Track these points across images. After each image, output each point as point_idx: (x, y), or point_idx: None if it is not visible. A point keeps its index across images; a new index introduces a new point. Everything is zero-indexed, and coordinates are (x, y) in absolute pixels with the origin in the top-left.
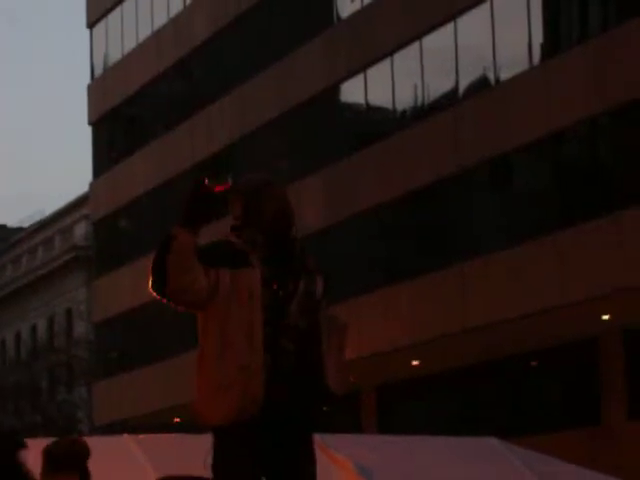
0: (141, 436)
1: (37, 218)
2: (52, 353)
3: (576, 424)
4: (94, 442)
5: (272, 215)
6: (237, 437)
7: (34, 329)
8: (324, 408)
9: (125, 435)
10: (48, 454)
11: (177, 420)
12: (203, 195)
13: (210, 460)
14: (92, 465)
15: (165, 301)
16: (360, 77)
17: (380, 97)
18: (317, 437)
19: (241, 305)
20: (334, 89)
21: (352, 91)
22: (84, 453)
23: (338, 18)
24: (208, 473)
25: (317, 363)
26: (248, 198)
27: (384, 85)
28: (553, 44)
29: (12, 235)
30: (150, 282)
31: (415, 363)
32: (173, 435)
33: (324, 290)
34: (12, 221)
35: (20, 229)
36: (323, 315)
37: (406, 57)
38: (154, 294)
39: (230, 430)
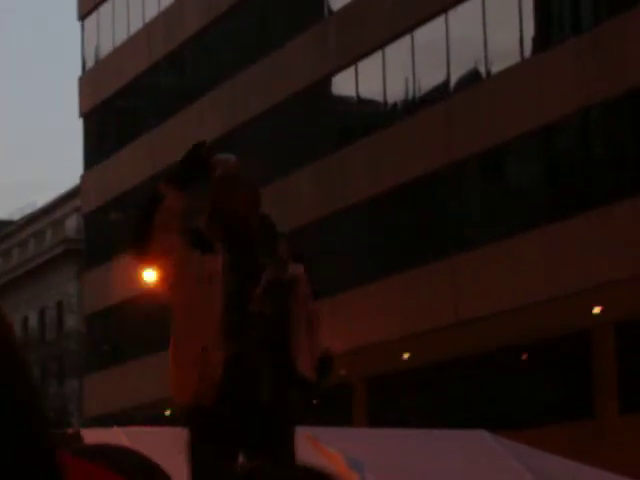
0: (132, 428)
1: (28, 211)
2: (43, 346)
3: (568, 418)
4: (85, 435)
5: (238, 203)
6: (201, 421)
7: (25, 322)
8: (296, 394)
9: (115, 428)
10: None
11: (168, 413)
12: (201, 157)
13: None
14: None
15: (139, 260)
16: (351, 70)
17: (371, 90)
18: (307, 430)
19: (203, 289)
20: (325, 82)
21: (343, 84)
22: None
23: (329, 11)
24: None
25: (286, 349)
26: (219, 185)
27: (375, 78)
28: (545, 37)
29: (3, 228)
30: (131, 239)
31: (406, 356)
32: (164, 428)
33: (304, 277)
34: (2, 213)
35: (11, 222)
36: (296, 301)
37: (397, 50)
38: (131, 251)
39: (195, 413)
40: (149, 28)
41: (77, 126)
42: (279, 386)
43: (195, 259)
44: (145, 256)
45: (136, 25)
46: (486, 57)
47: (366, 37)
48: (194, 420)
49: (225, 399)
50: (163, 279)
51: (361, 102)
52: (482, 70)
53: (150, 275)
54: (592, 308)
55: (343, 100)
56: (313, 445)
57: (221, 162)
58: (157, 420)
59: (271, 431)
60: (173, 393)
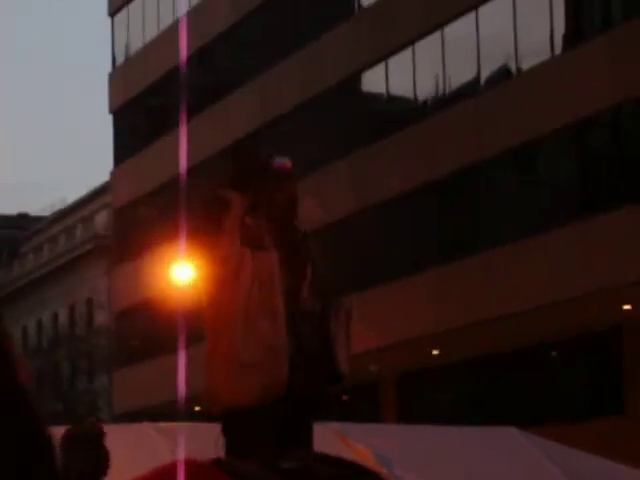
0: (161, 424)
1: (58, 207)
2: (73, 341)
3: (599, 414)
4: (114, 430)
5: (283, 203)
6: (261, 418)
7: (55, 317)
8: (333, 389)
9: (145, 423)
10: (65, 437)
11: (197, 409)
12: (261, 161)
13: (222, 443)
14: (112, 453)
15: (201, 264)
16: (382, 66)
17: (401, 86)
18: (336, 426)
19: (262, 286)
20: (356, 77)
21: (374, 79)
22: (98, 432)
23: (360, 6)
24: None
25: (330, 346)
26: (262, 185)
27: (406, 74)
28: (575, 33)
29: (33, 224)
30: (197, 243)
31: (436, 352)
32: (193, 423)
33: (321, 275)
34: (33, 209)
35: (41, 218)
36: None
37: (428, 46)
38: (197, 255)
39: (253, 412)
40: (179, 24)
41: (107, 122)
42: (317, 379)
43: (249, 257)
44: (206, 260)
45: (166, 21)
46: (516, 54)
47: (396, 33)
48: (253, 419)
49: (287, 398)
50: (211, 279)
51: (392, 98)
52: (512, 66)
53: (181, 272)
54: (623, 304)
55: (374, 96)
56: (341, 441)
57: (279, 165)
58: (187, 416)
59: (304, 425)
60: (221, 392)
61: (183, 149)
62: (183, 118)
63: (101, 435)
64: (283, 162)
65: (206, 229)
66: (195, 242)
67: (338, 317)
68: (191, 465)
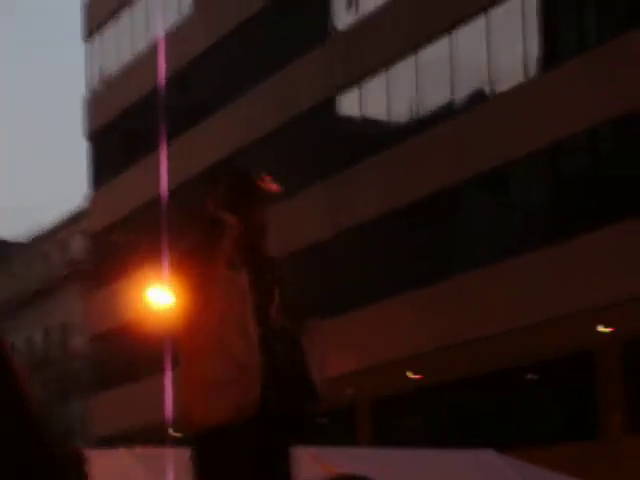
0: (138, 449)
1: (34, 232)
2: (48, 366)
3: (574, 437)
4: (91, 456)
5: (254, 226)
6: (235, 437)
7: (29, 341)
8: (310, 409)
9: (122, 449)
10: None
11: (171, 432)
12: (254, 184)
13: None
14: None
15: (187, 283)
16: (356, 90)
17: (376, 110)
18: (313, 450)
19: (235, 306)
20: (330, 101)
21: (348, 103)
22: (79, 458)
23: (334, 31)
24: None
25: (304, 365)
26: (251, 207)
27: (380, 98)
28: (549, 56)
29: (8, 248)
30: (187, 264)
31: (411, 376)
32: (170, 449)
33: (289, 297)
34: (8, 234)
35: (16, 243)
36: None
37: (402, 70)
38: (185, 274)
39: (227, 430)
40: (154, 48)
41: (83, 147)
42: (291, 398)
43: (223, 277)
44: (190, 281)
45: (141, 45)
46: (491, 77)
47: (371, 57)
48: (226, 438)
49: (261, 416)
50: (193, 300)
51: (367, 122)
52: (487, 89)
53: (155, 296)
54: (597, 327)
55: (349, 120)
56: (318, 465)
57: (268, 188)
58: (163, 440)
59: (280, 444)
60: (195, 411)
61: (164, 171)
62: (163, 141)
63: (83, 461)
64: (273, 185)
65: (202, 251)
66: (185, 263)
67: (309, 335)
68: None
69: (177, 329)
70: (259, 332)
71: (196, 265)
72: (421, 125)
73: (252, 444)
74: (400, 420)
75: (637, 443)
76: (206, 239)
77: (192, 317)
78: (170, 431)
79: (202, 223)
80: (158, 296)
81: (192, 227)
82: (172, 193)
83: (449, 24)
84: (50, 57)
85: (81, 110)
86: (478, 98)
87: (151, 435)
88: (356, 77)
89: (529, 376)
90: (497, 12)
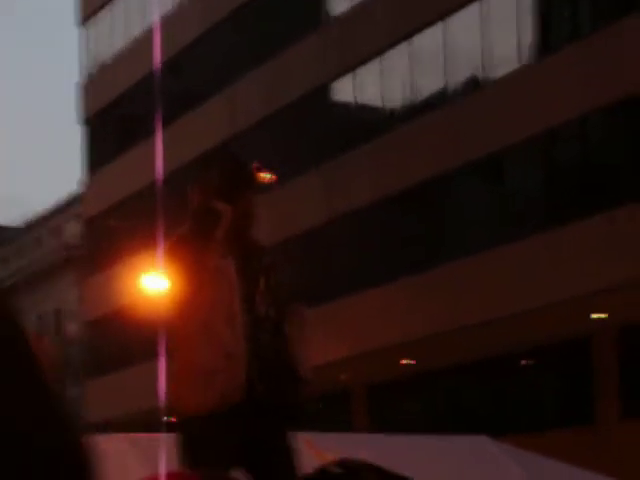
0: (134, 435)
1: (27, 217)
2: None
3: (569, 423)
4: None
5: (243, 214)
6: (221, 424)
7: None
8: (298, 396)
9: (117, 434)
10: None
11: (169, 419)
12: (250, 174)
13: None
14: None
15: (180, 271)
16: (350, 76)
17: (370, 97)
18: (306, 436)
19: (223, 294)
20: (324, 88)
21: (342, 90)
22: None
23: (328, 17)
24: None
25: (289, 352)
26: (246, 196)
27: (374, 85)
28: (543, 43)
29: (1, 234)
30: (182, 252)
31: (406, 362)
32: (166, 434)
33: (275, 285)
34: (3, 220)
35: (10, 228)
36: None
37: (396, 57)
38: (178, 262)
39: (213, 417)
40: (149, 34)
41: (77, 133)
42: (289, 389)
43: (212, 265)
44: (186, 269)
45: (136, 31)
46: (485, 64)
47: (365, 44)
48: (212, 425)
49: (247, 402)
50: (187, 288)
51: (361, 108)
52: (481, 76)
53: (150, 282)
54: (592, 314)
55: (343, 106)
56: (312, 451)
57: (263, 178)
58: (159, 427)
59: (279, 435)
60: (182, 399)
61: (159, 156)
62: (159, 126)
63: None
64: (268, 176)
65: (197, 240)
66: (179, 251)
67: (292, 322)
68: (176, 477)
69: (169, 316)
70: (245, 320)
71: (190, 254)
72: (415, 112)
73: (238, 431)
74: (395, 406)
75: (632, 429)
76: (201, 229)
77: (183, 305)
78: (164, 417)
79: (197, 212)
80: (153, 282)
81: (187, 215)
82: (165, 179)
83: (443, 11)
84: (45, 41)
85: (75, 98)
86: (472, 85)
87: (147, 421)
88: (350, 64)
89: (524, 362)
90: None
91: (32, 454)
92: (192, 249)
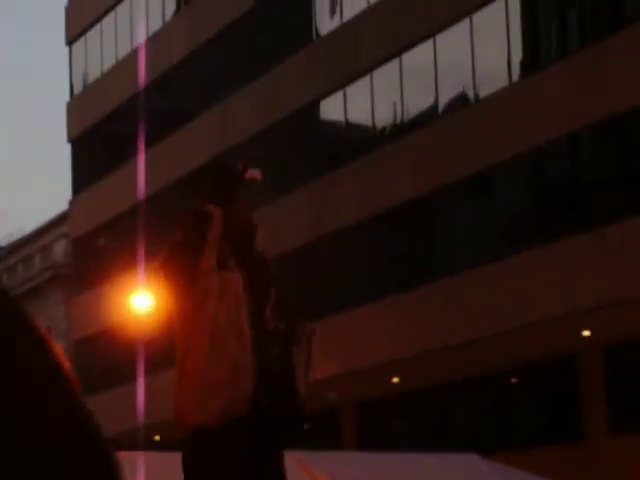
0: (121, 453)
1: (16, 236)
2: None
3: (557, 440)
4: None
5: (244, 226)
6: (227, 437)
7: None
8: (303, 411)
9: None
10: None
11: (157, 438)
12: (240, 177)
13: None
14: None
15: (177, 282)
16: (339, 94)
17: (360, 114)
18: (297, 454)
19: (229, 307)
20: (313, 106)
21: (332, 108)
22: None
23: (318, 35)
24: None
25: (292, 366)
26: (235, 198)
27: (363, 102)
28: (532, 61)
29: None
30: (175, 258)
31: (396, 380)
32: (153, 453)
33: (285, 297)
34: None
35: None
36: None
37: (385, 74)
38: (174, 273)
39: (219, 431)
40: (136, 53)
41: (65, 151)
42: (284, 399)
43: (216, 277)
44: (179, 277)
45: (124, 50)
46: (474, 81)
47: (354, 61)
48: (219, 438)
49: (253, 416)
50: (183, 296)
51: (350, 126)
52: (470, 94)
53: (138, 301)
54: (580, 331)
55: (332, 124)
56: (303, 469)
57: (254, 179)
58: (147, 445)
59: (273, 444)
60: (188, 412)
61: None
62: (141, 145)
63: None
64: (255, 173)
65: (189, 244)
66: (173, 261)
67: (300, 340)
68: None
69: (171, 329)
70: (253, 334)
71: (185, 261)
72: (403, 130)
73: (244, 444)
74: (384, 424)
75: (620, 445)
76: (192, 233)
77: (185, 317)
78: (144, 435)
79: (187, 218)
80: (141, 301)
81: (178, 225)
82: (154, 197)
83: (432, 29)
84: (35, 60)
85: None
86: (460, 103)
87: (136, 440)
88: (339, 82)
89: (512, 380)
90: (480, 17)
91: (65, 455)
92: (185, 256)
